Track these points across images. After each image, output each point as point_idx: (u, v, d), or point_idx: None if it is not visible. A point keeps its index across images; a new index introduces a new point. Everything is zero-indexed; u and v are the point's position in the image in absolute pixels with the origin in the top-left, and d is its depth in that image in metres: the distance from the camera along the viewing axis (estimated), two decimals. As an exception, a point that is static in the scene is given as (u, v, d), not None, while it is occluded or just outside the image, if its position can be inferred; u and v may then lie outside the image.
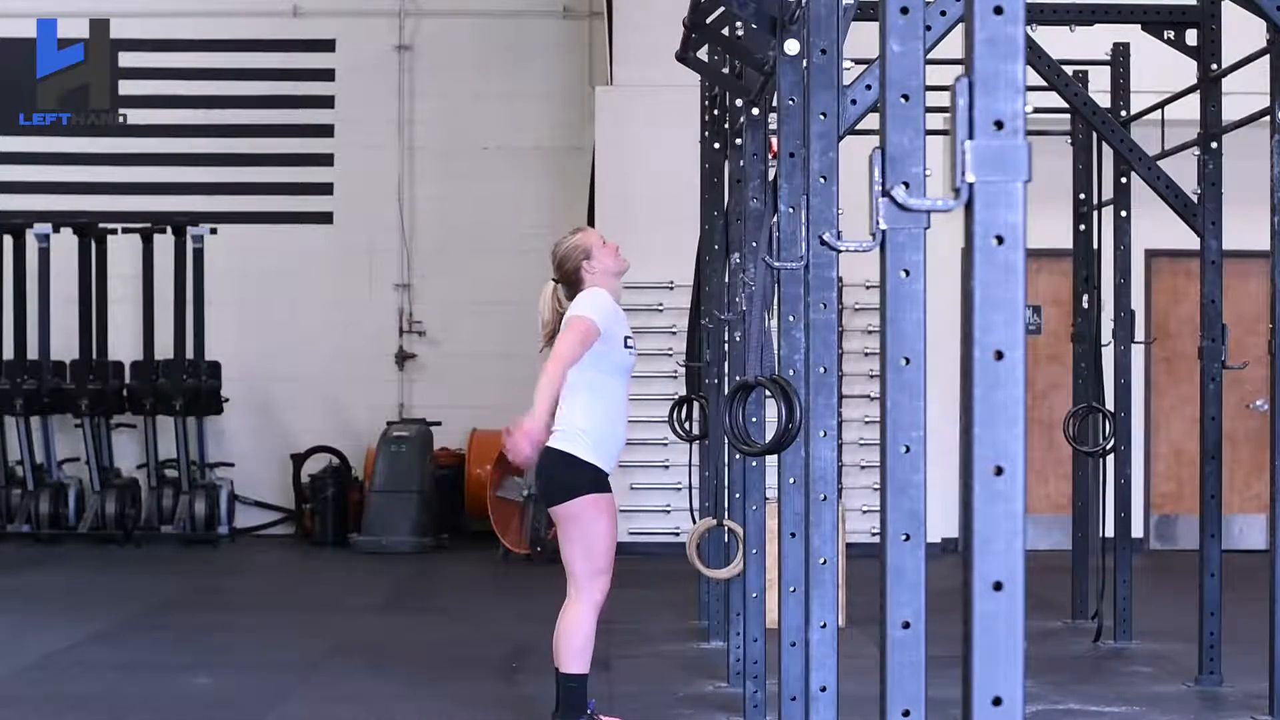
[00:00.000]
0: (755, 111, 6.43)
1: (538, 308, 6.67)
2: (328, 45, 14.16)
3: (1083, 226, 9.43)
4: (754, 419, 6.08)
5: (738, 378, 5.95)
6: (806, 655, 4.59)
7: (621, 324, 6.37)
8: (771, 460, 5.65)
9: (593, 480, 6.18)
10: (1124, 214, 8.76)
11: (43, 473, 13.25)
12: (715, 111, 8.38)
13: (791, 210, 5.04)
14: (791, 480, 5.18)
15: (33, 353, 13.24)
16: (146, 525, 13.19)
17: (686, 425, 8.93)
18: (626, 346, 6.34)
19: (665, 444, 11.78)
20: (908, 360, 3.03)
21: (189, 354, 13.22)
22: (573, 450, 6.17)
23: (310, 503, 13.46)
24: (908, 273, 3.02)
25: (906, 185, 2.90)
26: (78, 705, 7.16)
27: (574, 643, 6.37)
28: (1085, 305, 9.39)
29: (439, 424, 13.44)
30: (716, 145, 8.35)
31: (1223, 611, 7.42)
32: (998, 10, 2.37)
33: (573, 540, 6.21)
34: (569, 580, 6.30)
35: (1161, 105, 8.71)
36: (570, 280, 6.56)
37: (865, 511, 11.91)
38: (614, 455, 6.26)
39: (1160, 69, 8.73)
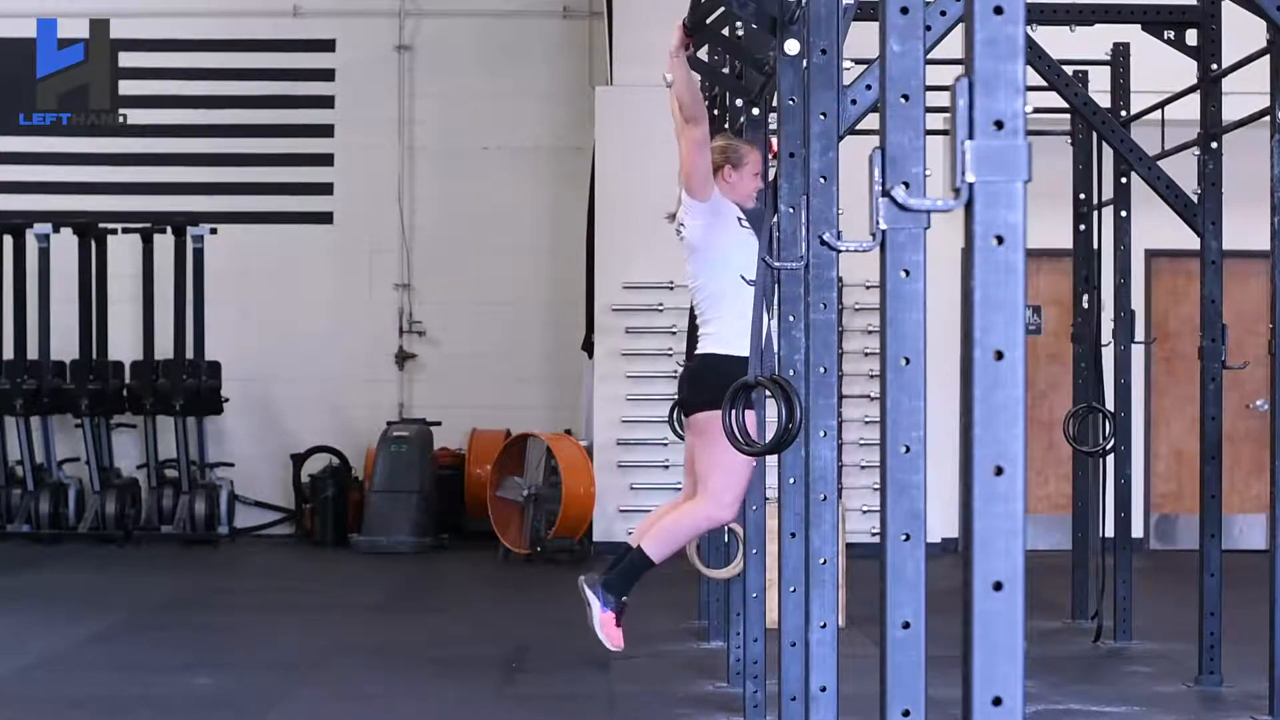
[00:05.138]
0: (755, 111, 6.43)
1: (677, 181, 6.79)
2: (328, 45, 14.16)
3: (1083, 226, 9.43)
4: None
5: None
6: (806, 655, 4.59)
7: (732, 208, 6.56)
8: (771, 460, 5.65)
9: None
10: (1124, 214, 8.76)
11: (43, 473, 13.25)
12: (715, 111, 8.38)
13: (791, 210, 5.04)
14: (791, 480, 5.18)
15: (33, 353, 13.24)
16: (146, 525, 13.18)
17: (684, 418, 8.90)
18: (742, 225, 6.52)
19: (665, 444, 11.78)
20: (908, 360, 3.03)
21: (189, 354, 13.22)
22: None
23: (310, 503, 13.46)
24: (908, 273, 3.03)
25: (906, 185, 2.90)
26: (78, 705, 7.15)
27: (673, 536, 6.55)
28: (1085, 305, 9.39)
29: (439, 424, 13.44)
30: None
31: (1223, 611, 7.42)
32: (998, 10, 2.37)
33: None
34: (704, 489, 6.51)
35: (1161, 105, 8.70)
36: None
37: (865, 511, 11.90)
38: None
39: (1160, 69, 8.72)
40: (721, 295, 6.48)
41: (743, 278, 6.14)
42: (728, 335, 6.42)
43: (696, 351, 6.59)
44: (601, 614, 6.51)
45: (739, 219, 6.59)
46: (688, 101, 6.27)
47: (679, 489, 11.39)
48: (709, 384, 6.42)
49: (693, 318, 8.80)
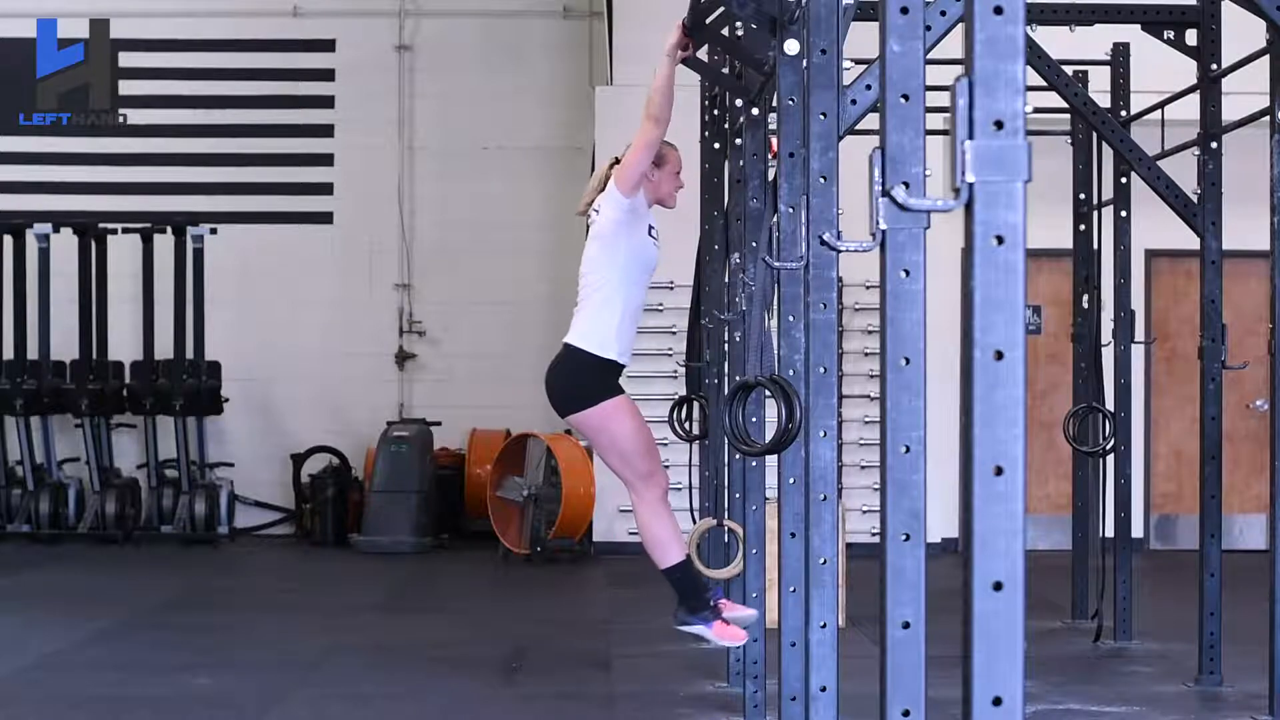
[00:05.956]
0: (755, 111, 6.43)
1: (589, 184, 6.90)
2: (328, 45, 14.16)
3: (1083, 226, 9.43)
4: (754, 419, 6.08)
5: (738, 378, 5.95)
6: (806, 655, 4.59)
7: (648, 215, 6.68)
8: (771, 460, 5.65)
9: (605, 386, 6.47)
10: (1124, 214, 8.76)
11: (43, 473, 13.25)
12: (715, 111, 8.37)
13: (791, 210, 5.04)
14: (791, 480, 5.17)
15: (33, 353, 13.24)
16: (146, 525, 13.18)
17: (686, 425, 8.93)
18: (651, 235, 6.62)
19: (665, 444, 11.65)
20: (908, 360, 3.02)
21: (189, 354, 13.22)
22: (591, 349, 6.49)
23: (310, 503, 13.46)
24: (908, 273, 3.02)
25: (906, 185, 2.90)
26: (78, 705, 7.16)
27: (658, 535, 6.47)
28: (1085, 305, 9.39)
29: (439, 424, 13.44)
30: (716, 145, 8.34)
31: (1223, 611, 7.42)
32: (998, 10, 2.37)
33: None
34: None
35: (1161, 105, 8.70)
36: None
37: (865, 511, 11.90)
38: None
39: (1160, 69, 8.72)
40: (598, 289, 6.56)
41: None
42: (590, 332, 6.52)
43: (565, 338, 6.64)
44: (712, 629, 6.52)
45: (650, 228, 6.66)
46: (658, 102, 6.31)
47: (679, 489, 11.42)
48: (567, 382, 6.54)
49: (693, 318, 8.83)
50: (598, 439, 6.57)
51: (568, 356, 6.59)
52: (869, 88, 4.84)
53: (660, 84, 6.31)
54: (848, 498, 11.67)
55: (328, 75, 14.15)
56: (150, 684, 7.63)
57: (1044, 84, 8.28)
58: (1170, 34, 7.92)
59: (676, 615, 6.62)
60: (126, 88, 14.12)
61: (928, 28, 3.61)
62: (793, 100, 4.99)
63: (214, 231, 13.43)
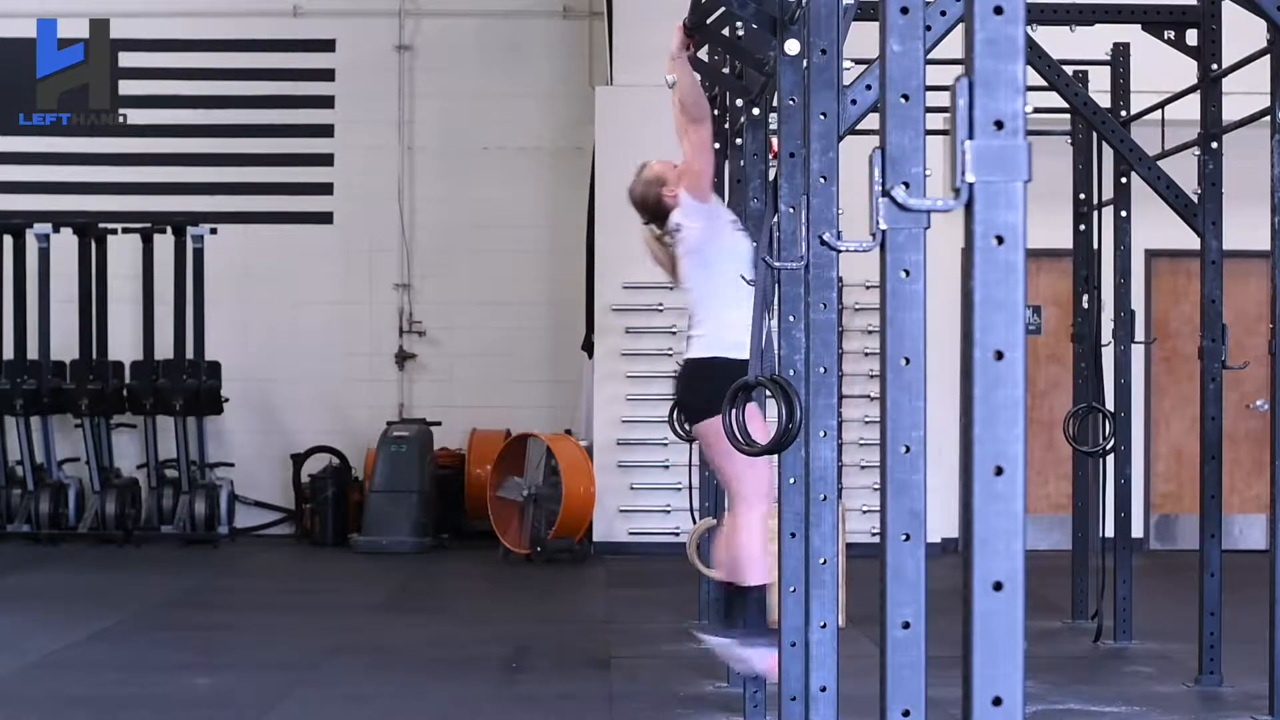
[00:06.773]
0: (755, 111, 6.43)
1: (649, 254, 6.76)
2: (328, 45, 14.16)
3: (1083, 226, 9.43)
4: (754, 419, 6.07)
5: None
6: (806, 655, 4.59)
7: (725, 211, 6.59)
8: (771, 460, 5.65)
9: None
10: (1124, 214, 8.77)
11: (43, 473, 13.24)
12: (715, 111, 8.37)
13: (791, 210, 5.04)
14: (791, 480, 5.17)
15: (33, 353, 13.24)
16: (146, 525, 13.18)
17: (687, 425, 8.91)
18: (736, 229, 6.55)
19: (665, 444, 11.77)
20: (908, 360, 3.03)
21: (189, 354, 13.22)
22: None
23: (310, 503, 13.46)
24: (908, 273, 3.02)
25: (906, 185, 2.90)
26: (78, 705, 7.15)
27: (752, 550, 6.26)
28: (1085, 305, 9.39)
29: (439, 424, 13.44)
30: (717, 145, 8.33)
31: (1223, 611, 7.42)
32: (998, 10, 2.37)
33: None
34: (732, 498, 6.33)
35: (1161, 105, 8.71)
36: (659, 214, 6.56)
37: (865, 511, 11.90)
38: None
39: (1160, 69, 8.72)
40: (712, 297, 6.48)
41: (742, 277, 6.13)
42: (720, 339, 6.41)
43: (687, 355, 6.55)
44: (764, 658, 6.11)
45: (733, 221, 6.61)
46: (691, 102, 6.27)
47: (679, 489, 11.42)
48: (704, 389, 6.41)
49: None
50: (724, 449, 5.87)
51: (698, 368, 6.40)
52: (869, 88, 4.84)
53: (684, 86, 6.26)
54: (848, 498, 11.67)
55: (328, 75, 14.15)
56: (150, 684, 7.63)
57: (1044, 84, 8.28)
58: (1170, 34, 7.92)
59: (716, 629, 6.41)
60: (126, 88, 14.11)
61: (928, 28, 3.60)
62: (793, 100, 4.99)
63: (214, 231, 13.43)
